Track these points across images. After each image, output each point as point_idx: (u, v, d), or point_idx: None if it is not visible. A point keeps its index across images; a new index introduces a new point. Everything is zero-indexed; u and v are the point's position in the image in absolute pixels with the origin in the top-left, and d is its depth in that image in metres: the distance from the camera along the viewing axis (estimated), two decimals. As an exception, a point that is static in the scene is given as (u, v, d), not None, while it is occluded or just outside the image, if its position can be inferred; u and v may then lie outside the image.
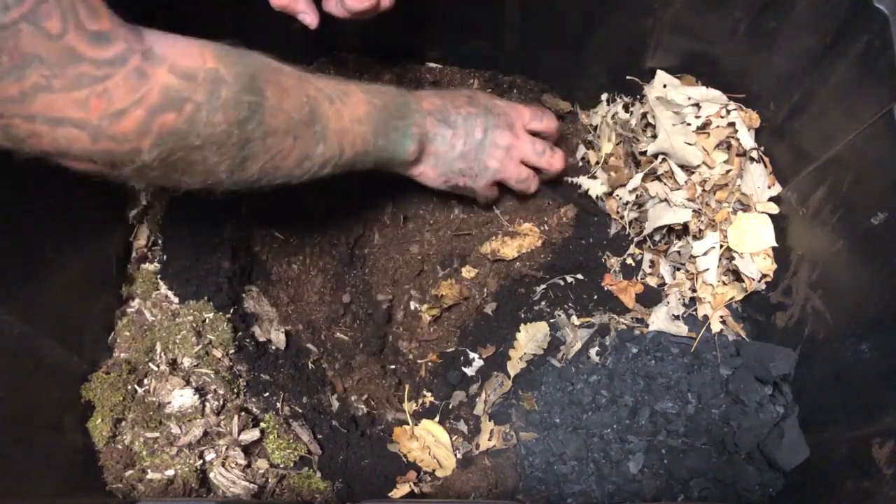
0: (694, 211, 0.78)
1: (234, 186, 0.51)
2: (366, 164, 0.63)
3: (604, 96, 0.87)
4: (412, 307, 0.80)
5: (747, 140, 0.76)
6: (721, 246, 0.77)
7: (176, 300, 0.73)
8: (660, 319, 0.77)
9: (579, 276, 0.81)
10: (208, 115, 0.44)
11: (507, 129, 0.70)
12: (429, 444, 0.72)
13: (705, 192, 0.78)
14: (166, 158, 0.44)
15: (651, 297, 0.80)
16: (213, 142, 0.45)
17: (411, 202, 0.82)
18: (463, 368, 0.76)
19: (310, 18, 0.64)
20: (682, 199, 0.78)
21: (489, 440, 0.72)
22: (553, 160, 0.74)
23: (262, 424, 0.68)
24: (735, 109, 0.78)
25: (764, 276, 0.76)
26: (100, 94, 0.38)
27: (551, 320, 0.78)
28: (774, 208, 0.76)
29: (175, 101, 0.42)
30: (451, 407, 0.75)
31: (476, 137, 0.68)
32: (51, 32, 0.36)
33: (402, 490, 0.69)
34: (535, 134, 0.73)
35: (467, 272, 0.80)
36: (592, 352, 0.76)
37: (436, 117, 0.66)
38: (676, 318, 0.78)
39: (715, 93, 0.79)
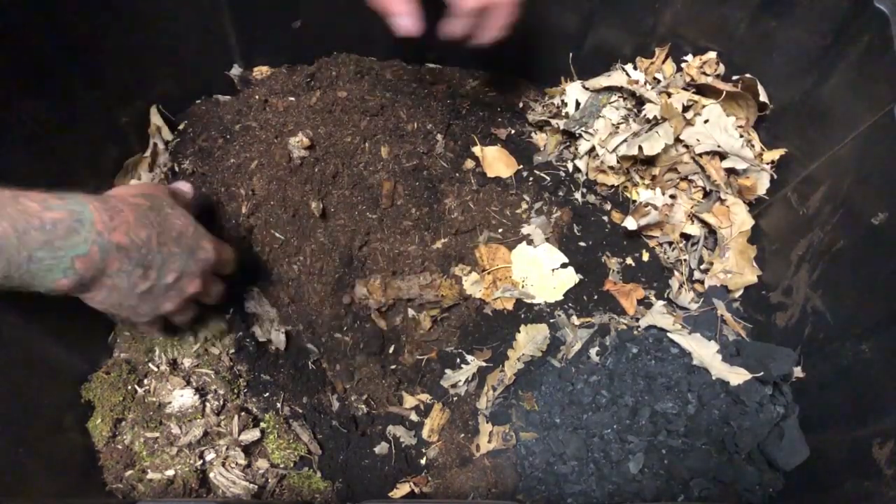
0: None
1: None
2: None
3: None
4: (412, 308, 0.80)
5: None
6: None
7: (176, 300, 0.73)
8: (654, 314, 0.78)
9: (579, 277, 0.81)
10: None
11: (199, 277, 0.62)
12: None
13: None
14: None
15: (652, 303, 0.80)
16: None
17: (411, 202, 0.82)
18: (463, 368, 0.76)
19: (407, 22, 0.60)
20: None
21: (488, 442, 0.72)
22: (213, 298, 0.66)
23: (263, 424, 0.68)
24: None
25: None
26: None
27: (551, 320, 0.78)
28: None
29: None
30: (450, 407, 0.75)
31: (165, 280, 0.59)
32: None
33: (402, 490, 0.69)
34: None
35: (467, 273, 0.80)
36: (592, 352, 0.76)
37: (129, 254, 0.54)
38: (674, 308, 0.78)
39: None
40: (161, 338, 0.70)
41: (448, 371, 0.76)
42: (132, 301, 0.58)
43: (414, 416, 0.74)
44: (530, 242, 0.82)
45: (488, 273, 0.80)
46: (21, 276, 0.49)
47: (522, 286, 0.80)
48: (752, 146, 0.78)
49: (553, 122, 0.87)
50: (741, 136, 0.78)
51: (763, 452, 0.69)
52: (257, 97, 0.85)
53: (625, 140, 0.81)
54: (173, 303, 0.61)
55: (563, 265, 0.81)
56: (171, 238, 0.58)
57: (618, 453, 0.69)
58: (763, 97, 0.76)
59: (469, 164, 0.87)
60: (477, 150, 0.87)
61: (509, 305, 0.79)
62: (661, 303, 0.79)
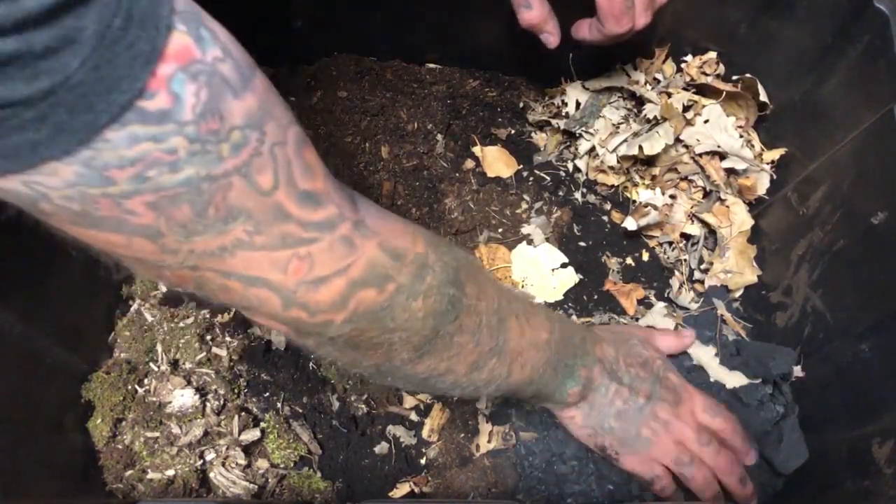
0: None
1: (394, 380, 0.48)
2: (523, 395, 0.57)
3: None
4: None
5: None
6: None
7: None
8: (654, 315, 0.78)
9: (579, 276, 0.81)
10: (408, 300, 0.41)
11: (671, 405, 0.62)
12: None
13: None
14: (354, 337, 0.41)
15: (652, 304, 0.80)
16: (405, 328, 0.42)
17: (411, 202, 0.82)
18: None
19: (553, 39, 0.66)
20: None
21: (488, 442, 0.72)
22: (718, 459, 0.61)
23: (263, 424, 0.68)
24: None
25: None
26: (302, 257, 0.36)
27: (551, 320, 0.78)
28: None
29: (379, 278, 0.39)
30: (450, 406, 0.75)
31: (638, 401, 0.61)
32: (262, 187, 0.33)
33: (402, 490, 0.69)
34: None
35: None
36: (592, 352, 0.76)
37: (605, 367, 0.60)
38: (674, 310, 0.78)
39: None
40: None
41: (448, 371, 0.76)
42: (611, 422, 0.61)
43: (414, 416, 0.74)
44: (530, 242, 0.82)
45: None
46: (546, 382, 0.56)
47: (522, 286, 0.80)
48: (752, 146, 0.78)
49: (553, 122, 0.87)
50: (741, 136, 0.78)
51: (762, 455, 0.69)
52: (257, 97, 0.85)
53: (625, 140, 0.81)
54: (651, 429, 0.62)
55: (563, 265, 0.81)
56: (636, 362, 0.63)
57: (618, 453, 0.69)
58: (763, 97, 0.76)
59: (469, 164, 0.87)
60: (477, 150, 0.87)
61: None
62: (661, 304, 0.79)
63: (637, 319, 0.78)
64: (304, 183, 0.35)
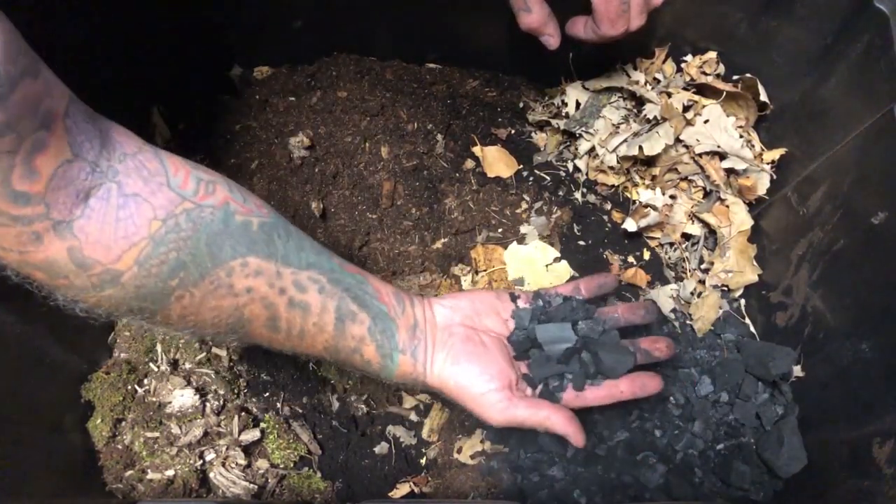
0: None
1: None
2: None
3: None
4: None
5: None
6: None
7: (176, 300, 0.73)
8: (660, 292, 0.79)
9: (576, 274, 0.81)
10: (77, 295, 0.45)
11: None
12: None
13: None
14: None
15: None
16: (81, 306, 0.47)
17: (411, 202, 0.82)
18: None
19: (553, 41, 0.67)
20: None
21: (488, 441, 0.72)
22: None
23: (263, 424, 0.68)
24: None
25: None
26: None
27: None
28: None
29: (52, 272, 0.44)
30: (449, 406, 0.75)
31: None
32: None
33: (402, 490, 0.69)
34: None
35: (466, 273, 0.80)
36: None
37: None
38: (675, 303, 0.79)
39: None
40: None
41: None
42: None
43: (414, 416, 0.74)
44: (521, 240, 0.82)
45: (485, 274, 0.80)
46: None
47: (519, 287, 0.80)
48: (752, 146, 0.78)
49: (553, 122, 0.87)
50: (741, 136, 0.78)
51: (762, 458, 0.69)
52: (257, 97, 0.85)
53: (625, 140, 0.81)
54: None
55: (556, 259, 0.81)
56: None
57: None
58: (763, 97, 0.76)
59: (469, 164, 0.87)
60: (477, 150, 0.87)
61: None
62: (671, 286, 0.80)
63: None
64: (19, 184, 0.39)
